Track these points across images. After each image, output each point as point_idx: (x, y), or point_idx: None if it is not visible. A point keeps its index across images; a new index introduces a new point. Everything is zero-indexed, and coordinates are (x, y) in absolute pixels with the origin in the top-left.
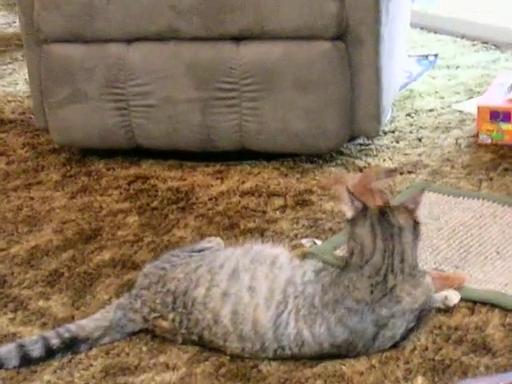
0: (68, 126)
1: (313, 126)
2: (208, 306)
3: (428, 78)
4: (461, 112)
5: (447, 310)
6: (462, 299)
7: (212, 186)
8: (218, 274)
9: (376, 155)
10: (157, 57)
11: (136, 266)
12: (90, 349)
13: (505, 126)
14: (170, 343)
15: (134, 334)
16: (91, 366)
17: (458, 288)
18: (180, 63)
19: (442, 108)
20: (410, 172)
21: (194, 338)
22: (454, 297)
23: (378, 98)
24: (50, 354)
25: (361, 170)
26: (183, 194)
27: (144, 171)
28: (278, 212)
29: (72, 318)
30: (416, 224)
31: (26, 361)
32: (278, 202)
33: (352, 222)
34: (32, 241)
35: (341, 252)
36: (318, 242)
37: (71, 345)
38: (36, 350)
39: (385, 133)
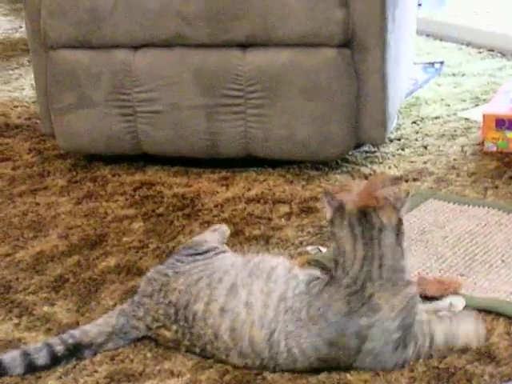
0: (74, 131)
1: (318, 133)
2: (208, 321)
3: (434, 85)
4: (466, 120)
5: None
6: (466, 307)
7: (217, 192)
8: (217, 288)
9: (381, 163)
10: (163, 63)
11: (141, 273)
12: (95, 354)
13: (510, 134)
14: (174, 350)
15: (138, 340)
16: (96, 372)
17: (454, 293)
18: (186, 70)
19: (448, 116)
20: (415, 179)
21: (197, 350)
22: (459, 303)
23: (383, 106)
24: (55, 361)
25: (366, 177)
26: (188, 201)
27: (149, 177)
28: (283, 219)
29: (77, 324)
30: (400, 223)
31: (31, 369)
32: (284, 209)
33: (331, 222)
34: (37, 246)
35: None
36: (323, 250)
37: (75, 351)
38: (41, 358)
39: (390, 140)
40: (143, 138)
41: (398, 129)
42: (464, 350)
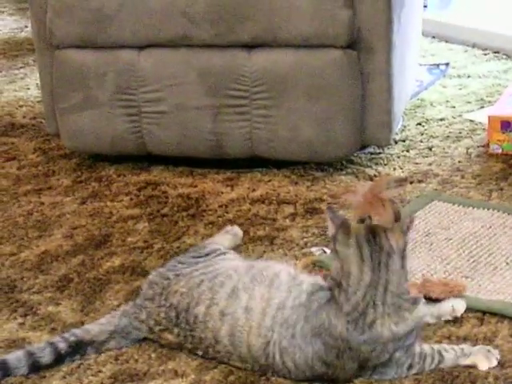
0: (79, 131)
1: (323, 134)
2: (208, 324)
3: (439, 87)
4: (472, 121)
5: (456, 321)
6: (471, 309)
7: (222, 193)
8: (218, 292)
9: (386, 164)
10: (168, 63)
11: (145, 273)
12: (98, 354)
13: None
14: (178, 350)
15: (142, 340)
16: (100, 372)
17: (459, 295)
18: (191, 70)
19: (453, 117)
20: (420, 181)
21: (200, 352)
22: (460, 307)
23: (389, 107)
24: (59, 359)
25: (371, 178)
26: (193, 201)
27: (154, 177)
28: (287, 220)
29: (81, 324)
30: (405, 247)
31: (36, 368)
32: (288, 209)
33: (334, 239)
34: (42, 246)
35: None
36: (328, 251)
37: (78, 348)
38: (45, 357)
39: (395, 142)
40: (148, 138)
41: (402, 130)
42: None
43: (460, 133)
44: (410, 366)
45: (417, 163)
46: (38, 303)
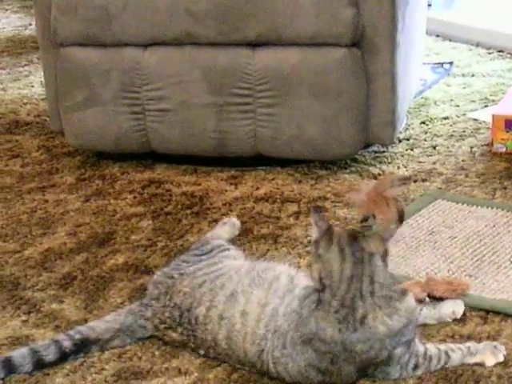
0: (83, 129)
1: (328, 132)
2: (208, 327)
3: (443, 85)
4: (475, 120)
5: (459, 320)
6: (474, 308)
7: (226, 191)
8: (218, 294)
9: (390, 163)
10: (173, 61)
11: (149, 271)
12: (102, 351)
13: None
14: (182, 348)
15: (146, 338)
16: (103, 369)
17: (462, 294)
18: (196, 68)
19: (457, 116)
20: (424, 180)
21: (201, 352)
22: (460, 309)
23: (393, 106)
24: (63, 357)
25: (375, 177)
26: (197, 199)
27: (158, 175)
28: (291, 218)
29: (85, 322)
30: (386, 253)
31: (40, 366)
32: (292, 208)
33: (316, 243)
34: (46, 243)
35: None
36: None
37: (82, 346)
38: (50, 355)
39: (399, 140)
40: (152, 136)
41: (406, 129)
42: None
43: (464, 132)
44: (416, 367)
45: (421, 162)
46: (41, 301)
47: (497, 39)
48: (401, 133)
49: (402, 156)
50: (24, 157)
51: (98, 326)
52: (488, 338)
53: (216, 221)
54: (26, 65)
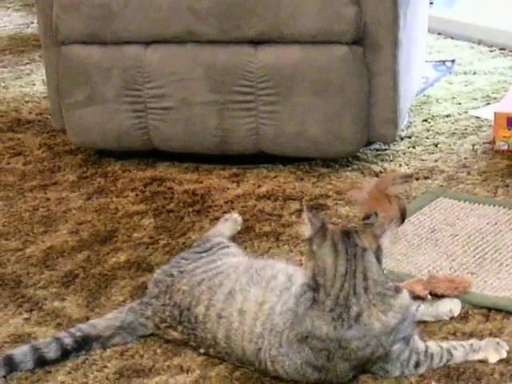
0: (85, 127)
1: (329, 130)
2: (207, 325)
3: (445, 83)
4: (477, 118)
5: (461, 317)
6: (476, 306)
7: (228, 189)
8: (216, 293)
9: (392, 160)
10: (174, 59)
11: (151, 269)
12: (103, 349)
13: None
14: (184, 346)
15: (148, 336)
16: (105, 367)
17: (464, 292)
18: (197, 66)
19: (459, 114)
20: (425, 178)
21: (202, 350)
22: (457, 308)
23: (395, 103)
24: (64, 354)
25: (377, 175)
26: (199, 197)
27: (160, 173)
28: (293, 216)
29: (86, 319)
30: (379, 249)
31: (41, 363)
32: (294, 205)
33: (310, 241)
34: (47, 241)
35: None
36: None
37: (84, 344)
38: (51, 352)
39: (401, 138)
40: (154, 134)
41: (408, 127)
42: None
43: (466, 129)
44: (417, 365)
45: (422, 160)
46: (43, 298)
47: (498, 37)
48: (403, 130)
49: (404, 154)
50: (26, 155)
51: (99, 323)
52: (490, 335)
53: (218, 219)
54: (27, 63)
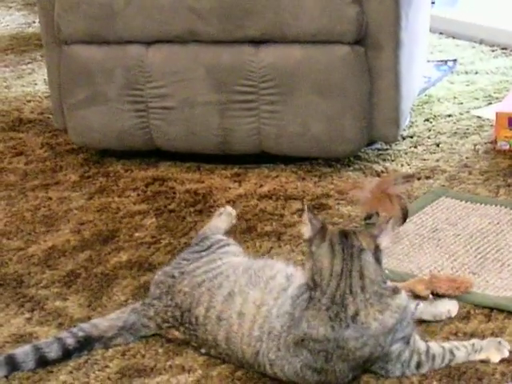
0: (86, 126)
1: (331, 130)
2: (207, 327)
3: (447, 83)
4: (479, 118)
5: (463, 317)
6: (478, 306)
7: (230, 188)
8: (216, 295)
9: (394, 160)
10: (176, 59)
11: (153, 268)
12: (105, 349)
13: None
14: (185, 346)
15: (150, 335)
16: (107, 367)
17: (466, 291)
18: (199, 66)
19: (461, 114)
20: (427, 177)
21: (203, 351)
22: (455, 309)
23: (396, 103)
24: (66, 354)
25: (378, 174)
26: (201, 197)
27: (162, 173)
28: (295, 216)
29: (88, 319)
30: (377, 249)
31: (43, 363)
32: (296, 205)
33: (309, 241)
34: (49, 241)
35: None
36: None
37: (86, 344)
38: (53, 352)
39: (403, 138)
40: (156, 134)
41: (410, 126)
42: None
43: (467, 129)
44: (419, 365)
45: (424, 159)
46: (45, 298)
47: (500, 37)
48: (404, 130)
49: (406, 153)
50: (28, 154)
51: (101, 323)
52: (492, 335)
53: None
54: (29, 62)
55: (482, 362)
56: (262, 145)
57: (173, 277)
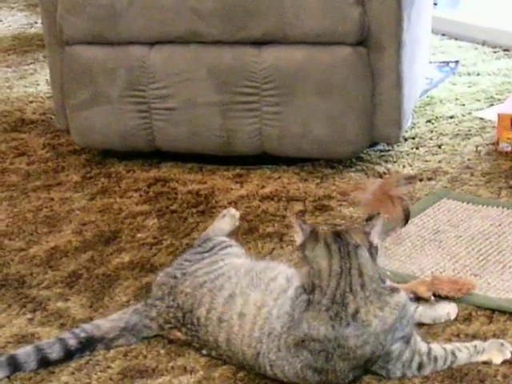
0: (89, 127)
1: (333, 131)
2: (208, 329)
3: (449, 84)
4: (481, 119)
5: (465, 319)
6: (480, 308)
7: (232, 189)
8: (217, 296)
9: (396, 161)
10: (178, 60)
11: (155, 269)
12: (107, 350)
13: None
14: (187, 347)
15: (151, 336)
16: (109, 367)
17: (467, 293)
18: (201, 66)
19: (463, 115)
20: (429, 179)
21: (204, 352)
22: (453, 311)
23: (398, 104)
24: (68, 355)
25: (380, 176)
26: (203, 198)
27: (164, 174)
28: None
29: (90, 320)
30: (372, 245)
31: (45, 364)
32: (298, 206)
33: (302, 247)
34: (51, 242)
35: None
36: None
37: (88, 344)
38: (54, 353)
39: (405, 139)
40: (158, 135)
41: (412, 128)
42: None
43: (469, 130)
44: (420, 366)
45: (426, 161)
46: (47, 299)
47: (502, 38)
48: (406, 131)
49: (408, 155)
50: (30, 155)
51: (104, 324)
52: (493, 337)
53: None
54: (31, 63)
55: (484, 363)
56: (264, 146)
57: (175, 278)
